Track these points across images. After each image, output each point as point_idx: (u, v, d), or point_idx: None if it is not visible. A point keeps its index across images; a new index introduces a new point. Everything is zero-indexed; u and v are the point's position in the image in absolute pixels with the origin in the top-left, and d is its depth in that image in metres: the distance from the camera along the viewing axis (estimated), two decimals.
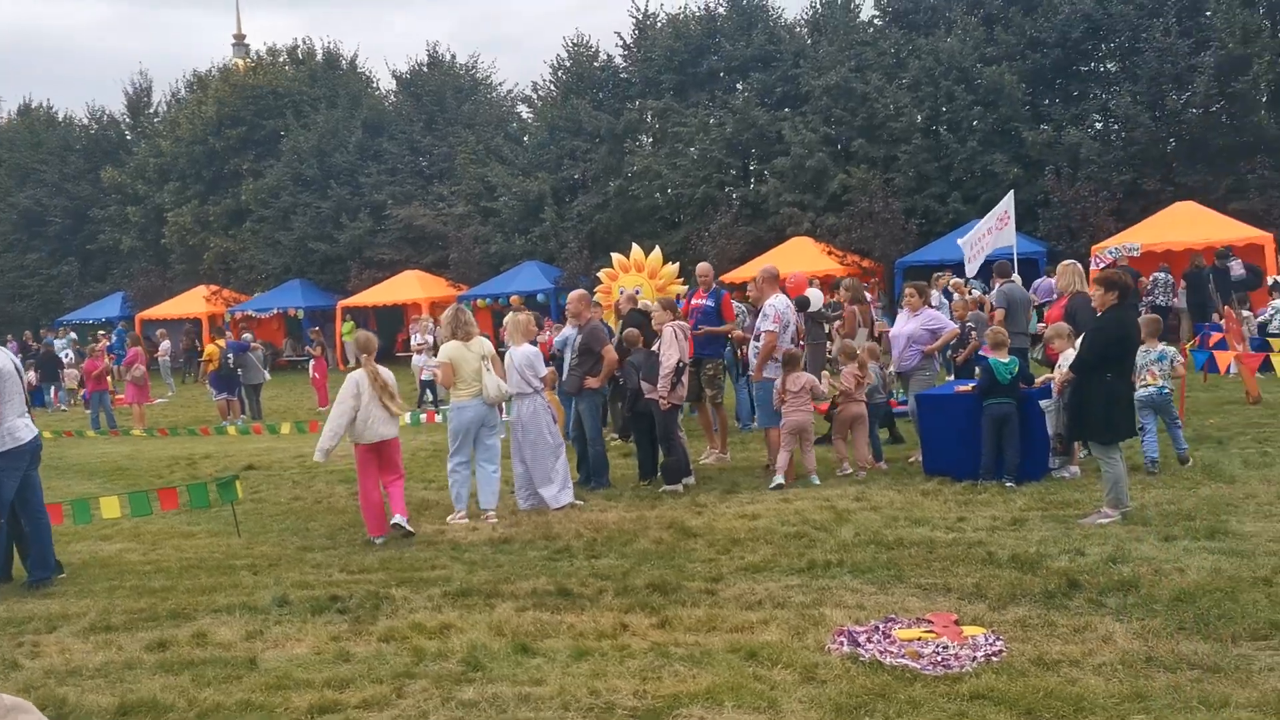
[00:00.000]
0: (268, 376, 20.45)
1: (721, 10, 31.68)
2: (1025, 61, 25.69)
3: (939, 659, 4.55)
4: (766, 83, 30.01)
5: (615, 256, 24.18)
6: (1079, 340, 7.30)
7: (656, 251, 23.83)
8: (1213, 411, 11.34)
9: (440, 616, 5.75)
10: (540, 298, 28.50)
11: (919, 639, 4.77)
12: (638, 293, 24.64)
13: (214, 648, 5.47)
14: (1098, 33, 25.87)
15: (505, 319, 9.79)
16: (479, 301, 29.40)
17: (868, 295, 14.94)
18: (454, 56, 37.29)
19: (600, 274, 25.33)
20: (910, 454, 9.97)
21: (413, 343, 22.87)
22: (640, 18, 32.78)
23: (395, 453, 8.30)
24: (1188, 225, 21.39)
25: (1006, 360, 8.54)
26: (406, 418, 16.57)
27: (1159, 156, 23.69)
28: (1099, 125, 25.94)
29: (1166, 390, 8.45)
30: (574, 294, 10.48)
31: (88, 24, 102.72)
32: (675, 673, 4.63)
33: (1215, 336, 12.94)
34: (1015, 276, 11.94)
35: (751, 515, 7.88)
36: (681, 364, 9.50)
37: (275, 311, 33.13)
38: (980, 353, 9.38)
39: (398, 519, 7.98)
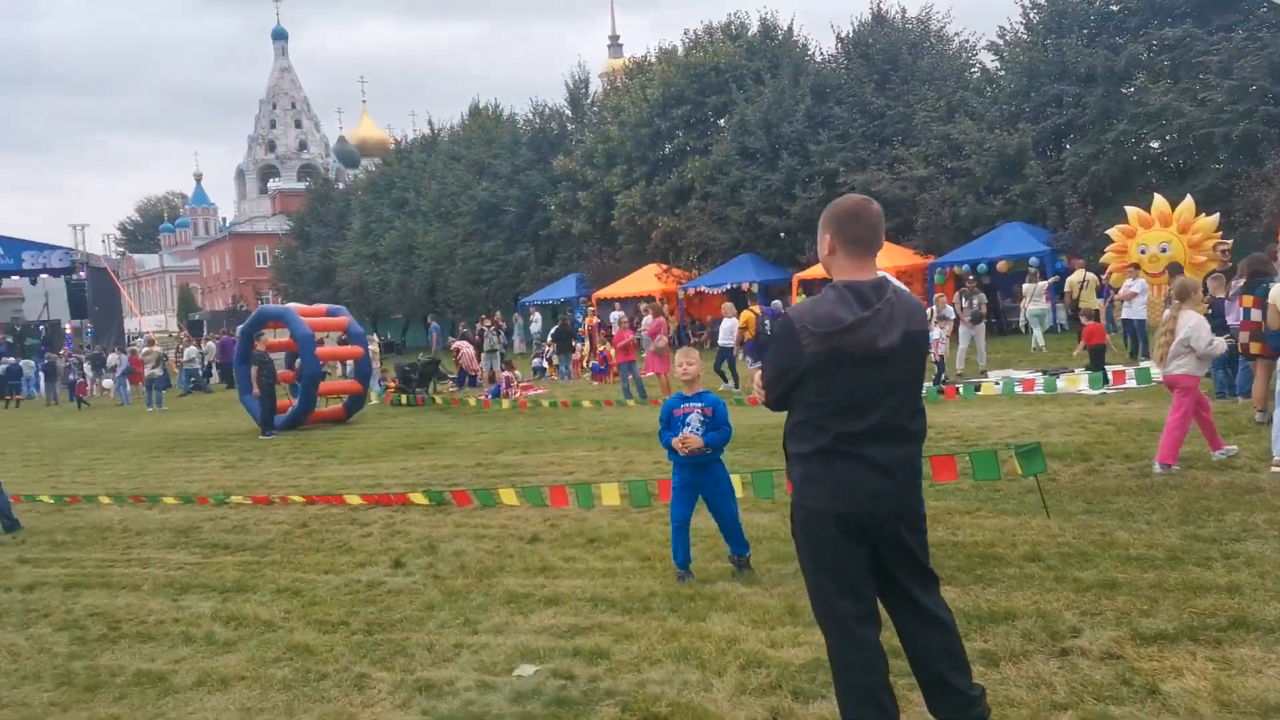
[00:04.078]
0: None
1: None
2: None
3: None
4: None
5: (1131, 211, 20.18)
6: None
7: (1188, 201, 19.64)
8: None
9: None
10: (1034, 261, 24.83)
11: None
12: (1164, 250, 20.29)
13: None
14: None
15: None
16: (955, 269, 26.42)
17: None
18: (904, 10, 34.57)
19: (1111, 232, 21.40)
20: None
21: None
22: None
23: None
24: None
25: None
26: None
27: None
28: None
29: None
30: None
31: (451, 45, 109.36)
32: None
33: None
34: None
35: None
36: None
37: (728, 286, 32.17)
38: None
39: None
